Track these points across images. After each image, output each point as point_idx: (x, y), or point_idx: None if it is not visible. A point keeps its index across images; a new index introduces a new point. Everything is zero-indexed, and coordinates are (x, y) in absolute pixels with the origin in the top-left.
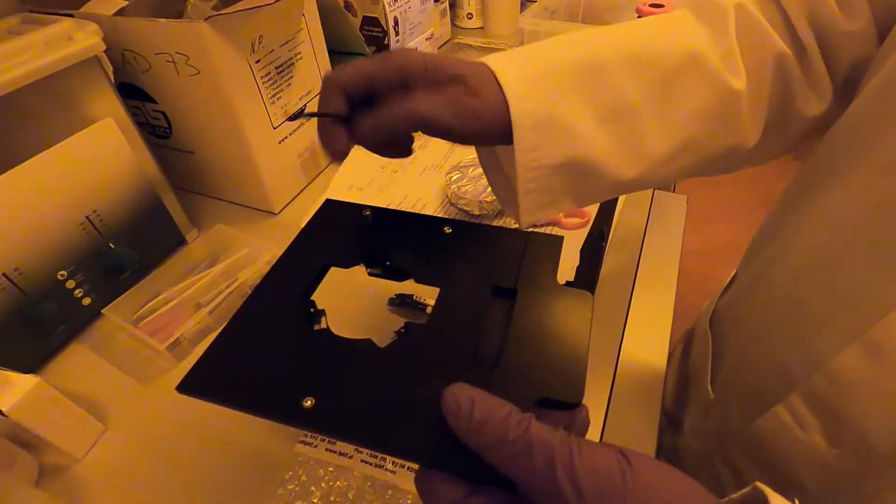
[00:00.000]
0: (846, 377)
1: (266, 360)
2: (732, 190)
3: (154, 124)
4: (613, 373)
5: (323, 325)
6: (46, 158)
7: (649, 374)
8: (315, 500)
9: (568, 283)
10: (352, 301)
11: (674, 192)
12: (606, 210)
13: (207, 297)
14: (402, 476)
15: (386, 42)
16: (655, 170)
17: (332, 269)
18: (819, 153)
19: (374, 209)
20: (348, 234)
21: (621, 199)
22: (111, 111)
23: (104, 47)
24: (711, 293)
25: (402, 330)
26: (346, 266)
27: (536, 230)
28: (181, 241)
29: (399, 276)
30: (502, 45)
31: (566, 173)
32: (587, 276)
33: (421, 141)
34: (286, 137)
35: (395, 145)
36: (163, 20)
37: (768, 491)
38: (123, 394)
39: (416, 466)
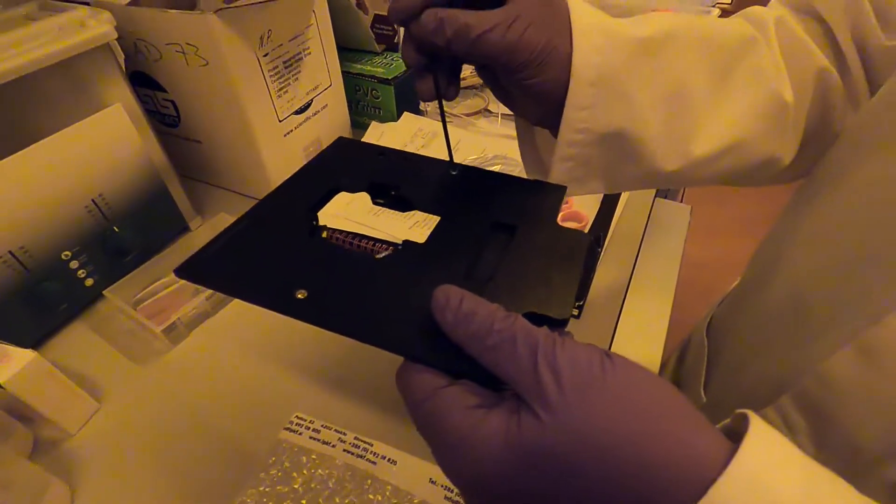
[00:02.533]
0: (837, 379)
1: (264, 257)
2: (740, 203)
3: (164, 113)
4: None
5: (324, 237)
6: (56, 141)
7: None
8: (296, 486)
9: None
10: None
11: (682, 202)
12: (604, 216)
13: None
14: (382, 467)
15: (396, 41)
16: (695, 168)
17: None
18: (823, 162)
19: (386, 150)
20: (358, 166)
21: (620, 205)
22: (121, 98)
23: (116, 36)
24: (713, 306)
25: (399, 246)
26: (352, 191)
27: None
28: (185, 228)
29: (403, 205)
30: None
31: (608, 147)
32: (580, 281)
33: (424, 140)
34: (292, 131)
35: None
36: (174, 11)
37: (752, 414)
38: (119, 373)
39: (396, 458)
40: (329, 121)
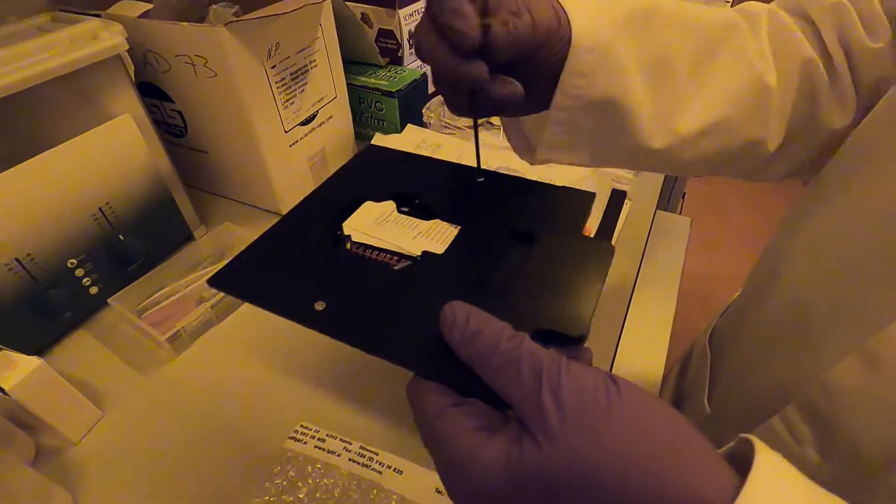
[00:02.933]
0: (842, 388)
1: (289, 269)
2: (740, 215)
3: (171, 123)
4: None
5: (347, 248)
6: (65, 150)
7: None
8: (301, 496)
9: None
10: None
11: (680, 213)
12: (606, 226)
13: (210, 292)
14: (387, 477)
15: (400, 54)
16: (680, 147)
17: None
18: (826, 170)
19: (413, 156)
20: (385, 174)
21: (622, 216)
22: (130, 108)
23: (127, 47)
24: (714, 317)
25: (418, 257)
26: (378, 200)
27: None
28: (189, 237)
29: (426, 214)
30: None
31: (600, 114)
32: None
33: (427, 151)
34: (297, 141)
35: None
36: (184, 24)
37: (757, 442)
38: (122, 382)
39: (402, 468)
40: (334, 132)
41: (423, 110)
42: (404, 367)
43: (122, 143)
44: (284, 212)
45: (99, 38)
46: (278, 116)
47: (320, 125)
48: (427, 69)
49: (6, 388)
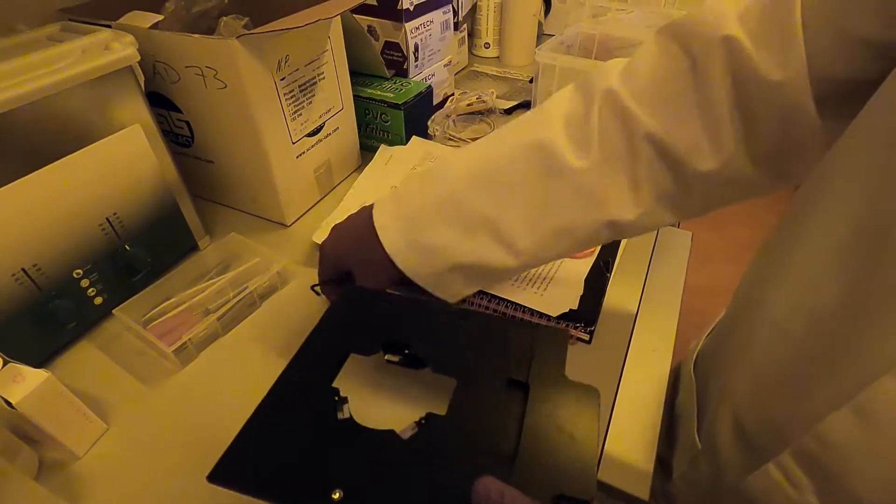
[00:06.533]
0: (837, 440)
1: (293, 451)
2: (736, 229)
3: (177, 133)
4: (612, 405)
5: (346, 414)
6: (75, 160)
7: (648, 408)
8: None
9: (571, 311)
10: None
11: (678, 227)
12: (610, 245)
13: (216, 304)
14: None
15: (405, 66)
16: (537, 255)
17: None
18: (796, 198)
19: (395, 298)
20: (368, 319)
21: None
22: (139, 118)
23: (138, 58)
24: (703, 336)
25: (423, 421)
26: (367, 354)
27: (544, 323)
28: (194, 247)
29: (416, 363)
30: (517, 76)
31: (456, 274)
32: (590, 305)
33: (432, 163)
34: (304, 153)
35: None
36: (196, 36)
37: None
38: (127, 394)
39: None
40: (340, 143)
41: (429, 122)
42: None
43: (131, 153)
44: (289, 222)
45: (111, 49)
46: (286, 128)
47: (327, 136)
48: (432, 81)
49: (13, 401)
